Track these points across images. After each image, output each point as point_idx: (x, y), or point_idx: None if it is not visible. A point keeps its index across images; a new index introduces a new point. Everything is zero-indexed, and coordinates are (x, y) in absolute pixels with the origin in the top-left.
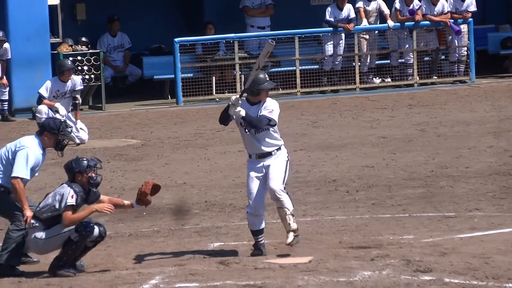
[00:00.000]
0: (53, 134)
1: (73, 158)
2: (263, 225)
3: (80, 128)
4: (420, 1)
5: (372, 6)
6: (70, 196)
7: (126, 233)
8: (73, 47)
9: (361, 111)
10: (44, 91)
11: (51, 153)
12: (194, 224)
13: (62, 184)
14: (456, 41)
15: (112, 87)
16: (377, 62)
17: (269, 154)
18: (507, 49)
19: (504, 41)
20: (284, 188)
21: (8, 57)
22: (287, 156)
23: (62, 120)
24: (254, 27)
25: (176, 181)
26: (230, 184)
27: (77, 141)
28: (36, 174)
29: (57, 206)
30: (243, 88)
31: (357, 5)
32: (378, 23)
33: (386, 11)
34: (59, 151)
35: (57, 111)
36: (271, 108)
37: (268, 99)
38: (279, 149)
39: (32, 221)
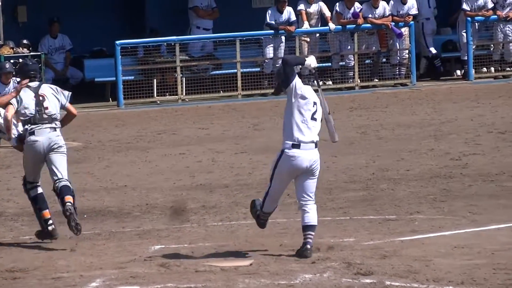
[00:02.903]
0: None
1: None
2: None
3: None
4: (361, 4)
5: (313, 9)
6: None
7: (67, 236)
8: (14, 49)
9: None
10: None
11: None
12: (135, 227)
13: None
14: (397, 44)
15: None
16: (318, 65)
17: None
18: (448, 52)
19: (445, 44)
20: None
21: None
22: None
23: None
24: (200, 28)
25: (117, 184)
26: (171, 187)
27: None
28: None
29: None
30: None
31: (299, 8)
32: (319, 26)
33: (327, 13)
34: None
35: None
36: None
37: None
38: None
39: None
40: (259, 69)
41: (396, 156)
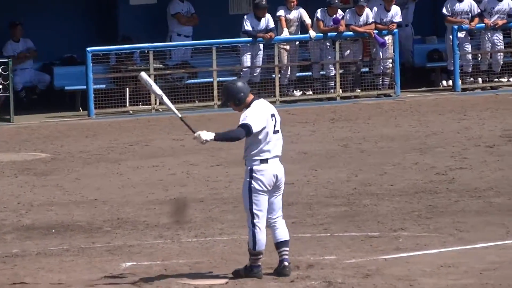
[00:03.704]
0: None
1: None
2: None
3: None
4: (343, 12)
5: (293, 15)
6: None
7: (33, 252)
8: None
9: (281, 125)
10: None
11: None
12: (105, 243)
13: None
14: (380, 53)
15: (23, 97)
16: (298, 74)
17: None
18: (434, 62)
19: (430, 53)
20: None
21: None
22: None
23: None
24: (181, 35)
25: (87, 197)
26: (143, 201)
27: None
28: None
29: None
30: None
31: (278, 14)
32: (299, 33)
33: (308, 20)
34: None
35: None
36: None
37: (249, 108)
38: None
39: None
40: (236, 78)
41: (379, 170)
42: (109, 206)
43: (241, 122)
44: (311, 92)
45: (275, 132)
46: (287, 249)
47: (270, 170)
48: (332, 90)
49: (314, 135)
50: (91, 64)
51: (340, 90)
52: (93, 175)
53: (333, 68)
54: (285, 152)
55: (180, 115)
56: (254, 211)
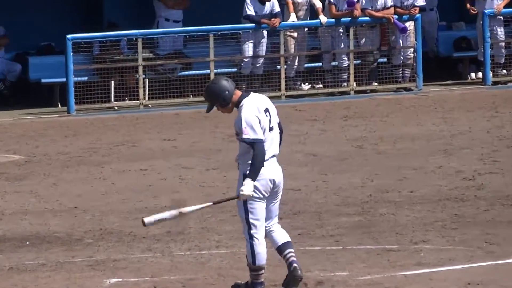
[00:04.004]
0: None
1: None
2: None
3: None
4: None
5: None
6: None
7: (6, 267)
8: None
9: (287, 123)
10: None
11: None
12: (86, 256)
13: None
14: (400, 41)
15: None
16: (306, 65)
17: None
18: (461, 51)
19: (457, 41)
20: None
21: None
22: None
23: None
24: (170, 20)
25: (66, 205)
26: (130, 209)
27: None
28: None
29: None
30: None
31: None
32: (308, 18)
33: (318, 4)
34: None
35: None
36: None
37: (242, 109)
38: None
39: None
40: (236, 69)
41: (398, 175)
42: (91, 215)
43: (246, 137)
44: (321, 86)
45: (271, 129)
46: (292, 250)
47: (267, 175)
48: (345, 84)
49: (324, 135)
50: (71, 54)
51: (354, 83)
52: (72, 180)
53: (346, 59)
54: (291, 153)
55: (211, 203)
56: (251, 220)
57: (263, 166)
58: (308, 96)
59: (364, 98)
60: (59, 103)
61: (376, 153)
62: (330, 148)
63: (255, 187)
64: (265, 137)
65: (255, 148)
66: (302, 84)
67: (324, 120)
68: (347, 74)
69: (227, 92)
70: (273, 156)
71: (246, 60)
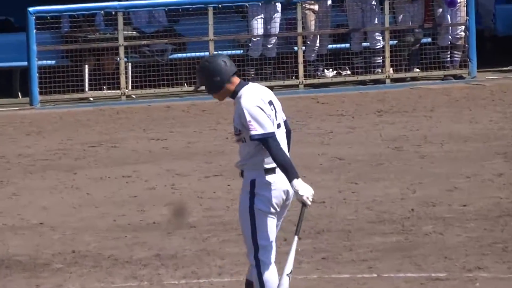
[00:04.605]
0: None
1: None
2: None
3: None
4: None
5: None
6: None
7: None
8: None
9: (306, 119)
10: None
11: None
12: (55, 285)
13: None
14: (448, 16)
15: None
16: (330, 46)
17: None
18: None
19: None
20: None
21: None
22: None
23: None
24: None
25: (29, 221)
26: (109, 226)
27: None
28: None
29: None
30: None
31: None
32: None
33: None
34: None
35: None
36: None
37: (242, 100)
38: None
39: None
40: (242, 51)
41: (446, 184)
42: (61, 234)
43: (254, 133)
44: (349, 72)
45: (278, 126)
46: None
47: (280, 184)
48: (379, 70)
49: (353, 134)
50: (34, 31)
51: (391, 69)
52: (37, 188)
53: (380, 38)
54: (312, 157)
55: (296, 237)
56: (259, 241)
57: (289, 161)
58: (333, 85)
59: (403, 88)
60: (19, 93)
61: (419, 157)
62: (361, 151)
63: (265, 198)
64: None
65: (269, 145)
66: (325, 70)
67: (353, 115)
68: (381, 57)
69: (218, 78)
70: None
71: (255, 40)
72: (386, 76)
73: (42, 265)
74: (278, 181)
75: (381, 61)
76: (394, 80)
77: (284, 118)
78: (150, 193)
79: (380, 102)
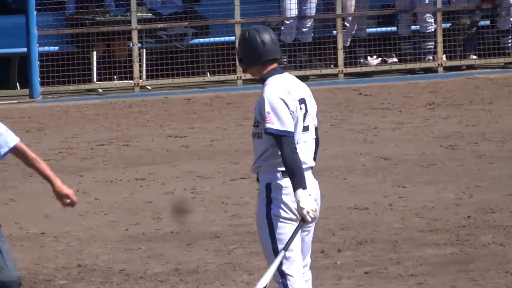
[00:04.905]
0: None
1: None
2: None
3: None
4: None
5: None
6: None
7: None
8: None
9: (346, 113)
10: None
11: None
12: None
13: None
14: None
15: None
16: (373, 29)
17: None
18: None
19: None
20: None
21: None
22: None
23: None
24: None
25: (29, 230)
26: (120, 236)
27: None
28: None
29: None
30: None
31: None
32: None
33: None
34: None
35: None
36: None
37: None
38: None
39: None
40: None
41: (508, 188)
42: (65, 245)
43: (269, 126)
44: (395, 60)
45: (305, 129)
46: None
47: None
48: (431, 57)
49: (401, 130)
50: (34, 13)
51: (444, 56)
52: (38, 194)
53: (432, 21)
54: (354, 157)
55: (282, 252)
56: (282, 249)
57: (300, 168)
58: (377, 74)
59: (458, 78)
60: (17, 84)
61: (476, 157)
62: (410, 149)
63: (283, 203)
64: (297, 139)
65: (283, 145)
66: (369, 57)
67: (400, 108)
68: (433, 43)
69: (249, 55)
70: (308, 168)
71: (287, 22)
72: (438, 64)
73: (44, 281)
74: None
75: (432, 46)
76: (448, 69)
77: (316, 124)
78: (167, 198)
79: (431, 93)
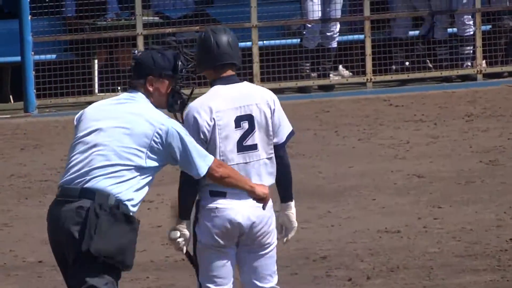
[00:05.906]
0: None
1: None
2: None
3: None
4: None
5: None
6: None
7: None
8: None
9: (376, 126)
10: None
11: None
12: None
13: None
14: None
15: None
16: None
17: None
18: None
19: None
20: None
21: None
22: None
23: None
24: None
25: (25, 258)
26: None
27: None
28: None
29: None
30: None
31: None
32: None
33: None
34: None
35: None
36: None
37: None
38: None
39: None
40: (295, 40)
41: None
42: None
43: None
44: (430, 66)
45: (246, 148)
46: None
47: (225, 213)
48: (469, 63)
49: (436, 144)
50: (29, 18)
51: (484, 62)
52: (34, 217)
53: (471, 23)
54: (384, 174)
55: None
56: (201, 279)
57: (185, 201)
58: (410, 82)
59: (499, 86)
60: (10, 97)
61: None
62: (446, 166)
63: (205, 227)
64: (226, 157)
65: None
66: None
67: (435, 120)
68: (471, 48)
69: (201, 56)
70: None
71: (310, 25)
72: (478, 71)
73: None
74: (224, 209)
75: (471, 51)
76: (488, 76)
77: (281, 140)
78: None
79: (469, 104)
